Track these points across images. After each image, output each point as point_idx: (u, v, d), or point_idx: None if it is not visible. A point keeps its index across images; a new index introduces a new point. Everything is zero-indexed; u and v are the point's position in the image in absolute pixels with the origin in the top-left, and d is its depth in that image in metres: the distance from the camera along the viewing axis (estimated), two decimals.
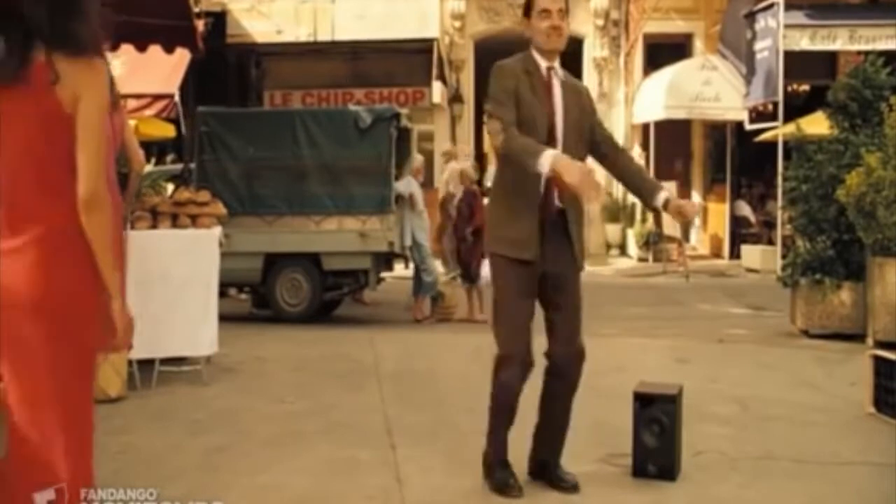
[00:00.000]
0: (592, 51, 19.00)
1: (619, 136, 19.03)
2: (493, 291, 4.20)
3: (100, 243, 2.55)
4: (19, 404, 2.49)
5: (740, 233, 17.78)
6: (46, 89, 2.43)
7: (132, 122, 13.42)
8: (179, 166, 13.31)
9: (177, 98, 15.04)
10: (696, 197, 18.98)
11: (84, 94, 2.46)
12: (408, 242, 10.35)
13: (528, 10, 4.17)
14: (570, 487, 4.18)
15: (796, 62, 15.38)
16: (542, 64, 4.14)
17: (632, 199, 18.57)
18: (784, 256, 10.59)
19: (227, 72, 18.50)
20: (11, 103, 2.42)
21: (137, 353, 6.23)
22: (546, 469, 4.26)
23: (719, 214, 18.42)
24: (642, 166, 4.82)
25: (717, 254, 18.18)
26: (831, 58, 16.89)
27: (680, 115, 16.87)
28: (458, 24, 18.91)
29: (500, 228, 4.15)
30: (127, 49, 8.51)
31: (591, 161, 4.20)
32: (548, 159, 3.75)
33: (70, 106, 2.46)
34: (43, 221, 2.49)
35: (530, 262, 4.04)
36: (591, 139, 4.24)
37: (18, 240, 2.46)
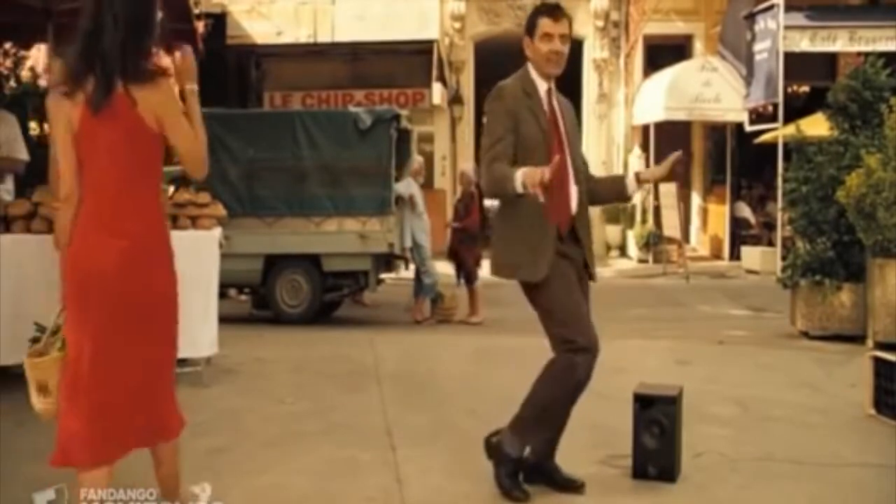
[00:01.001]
0: (592, 52, 19.02)
1: (619, 138, 19.08)
2: (551, 301, 4.07)
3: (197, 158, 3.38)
4: (131, 365, 3.21)
5: (740, 234, 17.80)
6: (129, 112, 3.14)
7: None
8: (179, 167, 13.31)
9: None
10: (696, 198, 19.00)
11: (163, 110, 3.18)
12: (408, 244, 10.35)
13: (530, 30, 4.14)
14: (579, 487, 4.19)
15: (796, 63, 15.39)
16: (542, 86, 4.14)
17: (633, 199, 18.61)
18: (784, 258, 10.59)
19: (227, 73, 18.53)
20: (103, 126, 3.14)
21: None
22: (542, 471, 4.25)
23: (719, 216, 18.43)
24: (602, 176, 4.73)
25: (717, 255, 18.19)
26: (831, 59, 16.91)
27: (680, 116, 16.88)
28: (458, 25, 18.92)
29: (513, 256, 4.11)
30: None
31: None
32: (519, 178, 3.74)
33: (153, 122, 3.17)
34: (137, 220, 3.22)
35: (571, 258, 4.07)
36: None
37: (119, 237, 3.17)
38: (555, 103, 4.16)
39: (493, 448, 4.18)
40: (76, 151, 3.19)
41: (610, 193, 4.46)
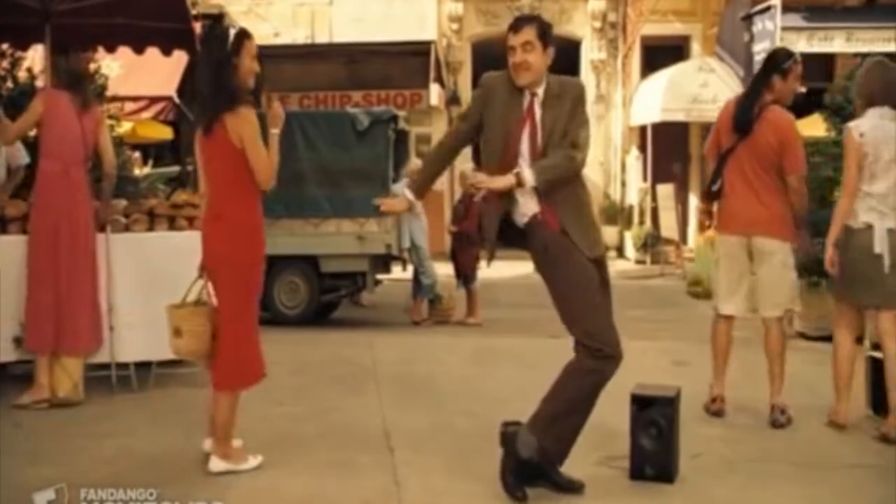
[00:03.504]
0: (590, 53, 19.03)
1: (617, 138, 19.09)
2: (568, 294, 4.16)
3: (266, 171, 4.51)
4: (227, 321, 4.47)
5: None
6: (223, 135, 4.38)
7: (128, 125, 13.48)
8: (177, 168, 13.31)
9: (177, 100, 15.04)
10: (693, 199, 19.02)
11: (244, 133, 4.37)
12: (406, 245, 10.35)
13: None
14: (580, 488, 4.19)
15: None
16: (525, 91, 4.18)
17: (630, 200, 18.62)
18: None
19: None
20: (208, 144, 4.45)
21: (135, 355, 6.24)
22: (544, 473, 4.24)
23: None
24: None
25: None
26: (828, 60, 16.90)
27: (677, 117, 16.89)
28: (455, 26, 18.92)
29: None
30: (125, 51, 8.51)
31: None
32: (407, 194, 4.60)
33: (238, 142, 4.38)
34: (228, 210, 4.45)
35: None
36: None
37: (222, 221, 4.45)
38: (536, 107, 4.18)
39: (507, 439, 4.12)
40: (202, 164, 4.53)
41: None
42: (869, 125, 5.19)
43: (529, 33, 4.13)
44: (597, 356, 4.04)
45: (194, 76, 4.94)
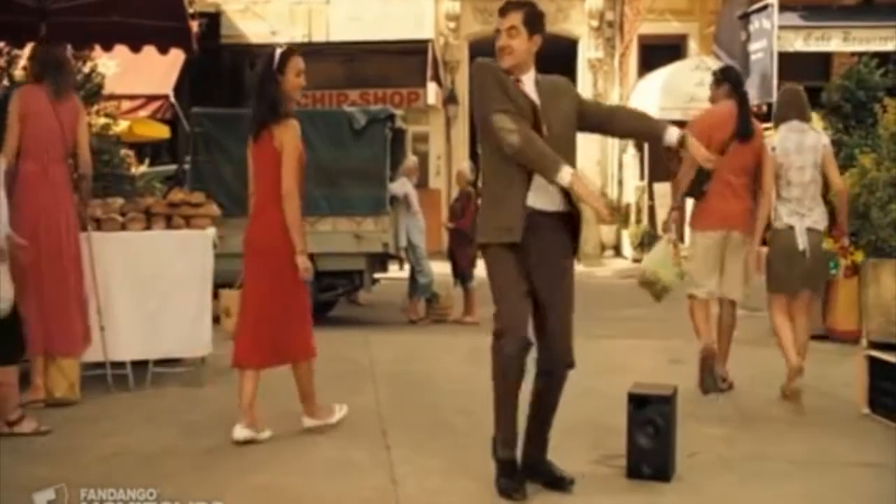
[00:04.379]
0: (587, 52, 19.03)
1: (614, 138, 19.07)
2: (489, 282, 4.19)
3: (292, 218, 4.98)
4: (281, 303, 5.05)
5: None
6: (269, 141, 4.97)
7: (125, 123, 13.46)
8: (174, 167, 13.30)
9: (173, 99, 15.02)
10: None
11: (285, 142, 4.98)
12: (402, 244, 10.34)
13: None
14: (569, 482, 4.19)
15: (790, 63, 15.40)
16: (510, 76, 4.18)
17: (627, 199, 18.63)
18: None
19: (222, 73, 18.49)
20: (256, 149, 5.08)
21: (132, 354, 6.23)
22: (537, 470, 4.25)
23: None
24: (643, 112, 4.71)
25: None
26: (825, 59, 16.92)
27: (675, 116, 16.81)
28: (452, 25, 18.92)
29: (489, 219, 4.19)
30: (121, 50, 8.48)
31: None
32: (567, 175, 3.92)
33: (280, 148, 4.96)
34: (271, 208, 4.99)
35: (518, 245, 4.07)
36: (581, 122, 4.30)
37: (263, 216, 5.04)
38: (527, 84, 4.18)
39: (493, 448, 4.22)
40: (251, 166, 5.14)
41: (645, 133, 4.62)
42: (778, 139, 6.02)
43: (515, 18, 4.15)
44: (495, 334, 4.14)
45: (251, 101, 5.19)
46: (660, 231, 17.23)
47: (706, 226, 6.18)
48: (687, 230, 6.94)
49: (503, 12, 4.20)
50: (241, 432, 4.95)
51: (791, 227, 5.93)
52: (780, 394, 5.94)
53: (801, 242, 5.88)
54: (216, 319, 6.68)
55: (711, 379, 5.95)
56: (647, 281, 6.05)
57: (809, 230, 5.91)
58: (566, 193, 4.11)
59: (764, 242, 6.14)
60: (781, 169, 5.95)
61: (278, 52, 5.04)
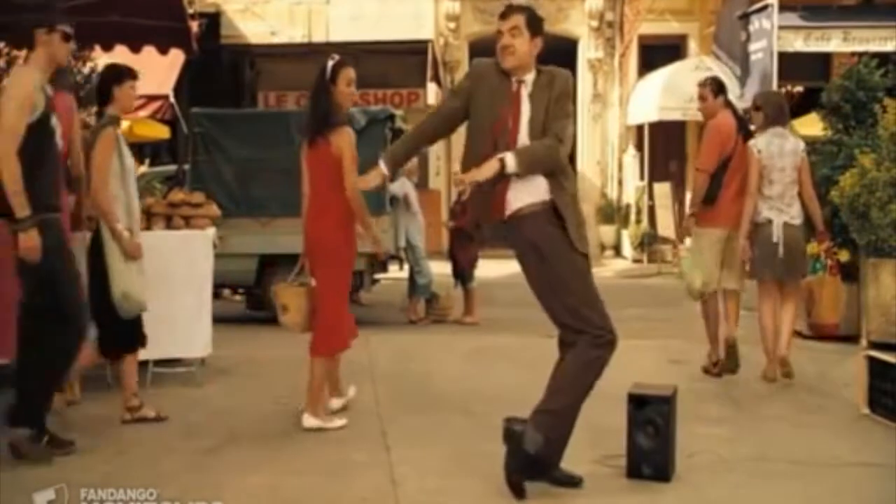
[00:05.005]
0: (587, 52, 19.02)
1: (614, 138, 19.08)
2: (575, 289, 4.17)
3: (361, 214, 5.47)
4: (327, 298, 5.41)
5: None
6: (326, 147, 5.36)
7: (125, 123, 13.44)
8: (174, 167, 13.28)
9: (172, 99, 15.01)
10: (690, 199, 19.03)
11: (343, 147, 5.36)
12: (402, 244, 10.33)
13: None
14: (578, 482, 4.21)
15: (790, 63, 15.39)
16: (513, 77, 4.21)
17: (627, 199, 18.63)
18: None
19: (222, 73, 18.47)
20: (312, 154, 5.44)
21: None
22: (543, 470, 4.23)
23: None
24: (539, 152, 4.27)
25: None
26: (825, 59, 16.91)
27: (674, 116, 16.88)
28: (452, 25, 18.90)
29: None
30: (121, 50, 8.48)
31: None
32: (382, 160, 4.53)
33: (338, 153, 5.34)
34: (330, 207, 5.39)
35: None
36: None
37: (327, 216, 5.40)
38: (523, 94, 4.19)
39: (511, 435, 4.09)
40: (306, 169, 5.49)
41: None
42: (764, 142, 6.62)
43: (518, 19, 4.22)
44: (599, 343, 4.12)
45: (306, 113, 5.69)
46: (660, 231, 17.22)
47: (715, 224, 6.78)
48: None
49: (505, 15, 4.26)
50: (309, 421, 5.31)
51: (770, 221, 6.58)
52: (762, 375, 6.65)
53: (776, 235, 6.55)
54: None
55: (735, 361, 6.75)
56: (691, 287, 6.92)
57: (787, 224, 6.57)
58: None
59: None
60: (766, 170, 6.57)
61: (330, 63, 5.39)
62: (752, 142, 6.66)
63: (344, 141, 5.34)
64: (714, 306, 6.95)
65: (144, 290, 5.47)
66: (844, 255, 8.17)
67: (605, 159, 19.17)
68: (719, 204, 6.74)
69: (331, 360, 5.55)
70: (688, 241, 7.21)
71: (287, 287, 5.58)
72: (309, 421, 5.29)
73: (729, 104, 7.04)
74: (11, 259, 4.75)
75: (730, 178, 6.70)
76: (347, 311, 5.62)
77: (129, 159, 5.53)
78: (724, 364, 6.75)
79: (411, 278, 10.54)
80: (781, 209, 6.60)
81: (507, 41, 4.19)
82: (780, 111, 6.77)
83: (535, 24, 4.24)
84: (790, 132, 6.85)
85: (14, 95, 4.67)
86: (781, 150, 6.60)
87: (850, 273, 8.32)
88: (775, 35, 14.92)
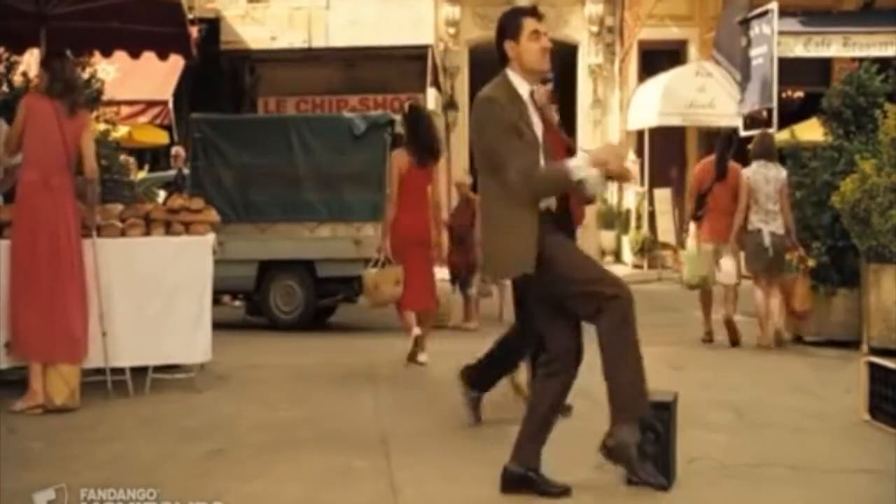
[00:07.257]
0: (587, 57, 19.02)
1: (614, 143, 19.05)
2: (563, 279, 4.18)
3: (438, 216, 7.94)
4: (419, 277, 7.51)
5: None
6: (432, 171, 7.61)
7: (125, 129, 13.46)
8: (173, 173, 13.29)
9: (170, 104, 15.02)
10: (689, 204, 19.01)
11: (437, 172, 7.69)
12: None
13: (513, 33, 4.13)
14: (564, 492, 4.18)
15: (791, 69, 15.41)
16: (524, 88, 4.13)
17: (627, 205, 18.61)
18: None
19: (221, 78, 18.49)
20: (422, 174, 7.49)
21: (131, 360, 6.22)
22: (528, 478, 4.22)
23: None
24: None
25: None
26: (825, 64, 16.93)
27: (675, 121, 16.89)
28: (452, 30, 18.91)
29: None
30: (121, 55, 8.49)
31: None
32: (579, 165, 3.94)
33: (436, 175, 7.66)
34: (421, 207, 7.48)
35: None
36: None
37: (416, 213, 7.44)
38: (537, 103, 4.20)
39: (611, 451, 4.15)
40: (402, 184, 7.35)
41: None
42: (751, 172, 8.69)
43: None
44: (619, 303, 4.31)
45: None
46: (660, 237, 17.20)
47: (704, 239, 8.88)
48: (688, 237, 9.12)
49: (541, 16, 4.19)
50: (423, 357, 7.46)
51: (759, 230, 8.59)
52: (756, 343, 8.61)
53: (767, 241, 8.55)
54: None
55: (735, 336, 8.71)
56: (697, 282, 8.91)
57: (773, 234, 8.55)
58: None
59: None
60: (755, 193, 8.57)
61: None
62: (744, 171, 8.69)
63: (437, 171, 7.73)
64: (709, 294, 9.02)
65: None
66: (812, 262, 8.79)
67: None
68: (710, 221, 8.77)
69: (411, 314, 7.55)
70: (688, 242, 9.19)
71: (373, 271, 7.49)
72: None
73: (718, 151, 9.13)
74: None
75: (710, 204, 8.78)
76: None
77: None
78: (730, 338, 8.71)
79: None
80: (767, 221, 8.56)
81: (547, 42, 4.15)
82: (766, 150, 8.78)
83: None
84: (773, 164, 8.72)
85: None
86: (766, 178, 8.59)
87: (818, 274, 8.81)
88: (775, 40, 14.94)
